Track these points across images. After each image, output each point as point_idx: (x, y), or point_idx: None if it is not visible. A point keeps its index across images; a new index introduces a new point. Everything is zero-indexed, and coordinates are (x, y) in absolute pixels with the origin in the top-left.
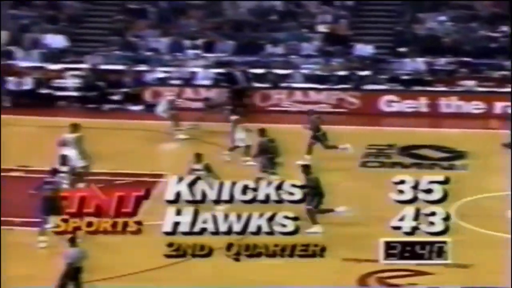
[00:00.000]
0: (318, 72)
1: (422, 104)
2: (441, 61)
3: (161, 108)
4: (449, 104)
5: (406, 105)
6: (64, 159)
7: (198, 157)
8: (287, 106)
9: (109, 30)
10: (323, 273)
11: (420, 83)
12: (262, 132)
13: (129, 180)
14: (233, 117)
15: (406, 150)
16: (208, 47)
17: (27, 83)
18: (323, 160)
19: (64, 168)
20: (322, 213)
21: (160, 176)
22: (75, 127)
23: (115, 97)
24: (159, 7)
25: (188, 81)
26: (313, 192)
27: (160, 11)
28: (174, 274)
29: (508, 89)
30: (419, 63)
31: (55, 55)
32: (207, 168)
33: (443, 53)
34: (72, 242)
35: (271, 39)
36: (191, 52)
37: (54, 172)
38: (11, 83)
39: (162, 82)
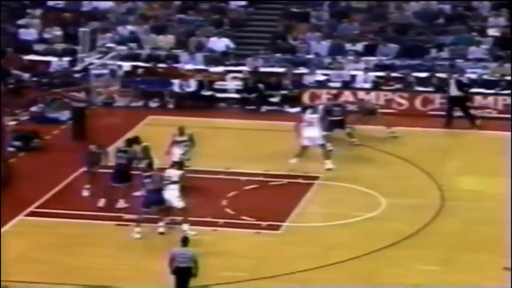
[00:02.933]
0: (486, 77)
1: None
2: None
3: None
4: None
5: None
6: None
7: (181, 130)
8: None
9: (270, 34)
10: None
11: None
12: None
13: (284, 181)
14: None
15: None
16: (370, 50)
17: (191, 85)
18: None
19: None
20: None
21: (314, 178)
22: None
23: (274, 99)
24: (321, 10)
25: (348, 84)
26: None
27: (322, 14)
28: None
29: None
30: None
31: (218, 58)
32: (191, 139)
33: None
34: (184, 242)
35: (436, 43)
36: (351, 55)
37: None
38: (176, 85)
39: (321, 84)
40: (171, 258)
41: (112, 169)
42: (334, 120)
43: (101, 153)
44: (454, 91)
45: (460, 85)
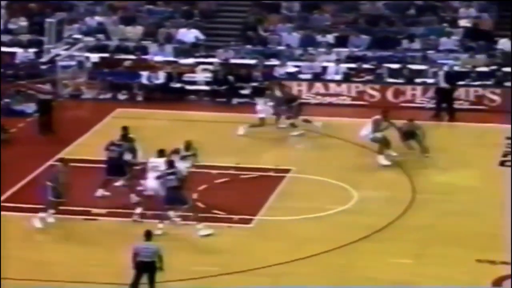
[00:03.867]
0: (457, 68)
1: None
2: None
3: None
4: None
5: None
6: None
7: (188, 145)
8: (421, 102)
9: (241, 25)
10: None
11: None
12: None
13: (255, 174)
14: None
15: None
16: (341, 42)
17: (159, 78)
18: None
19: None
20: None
21: (285, 171)
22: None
23: (245, 91)
24: (292, 1)
25: (319, 76)
26: None
27: (293, 5)
28: None
29: None
30: None
31: (187, 50)
32: (194, 154)
33: None
34: (148, 236)
35: (408, 34)
36: (322, 47)
37: (171, 164)
38: (144, 77)
39: (292, 76)
40: (134, 253)
41: (104, 163)
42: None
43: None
44: (442, 83)
45: (448, 77)
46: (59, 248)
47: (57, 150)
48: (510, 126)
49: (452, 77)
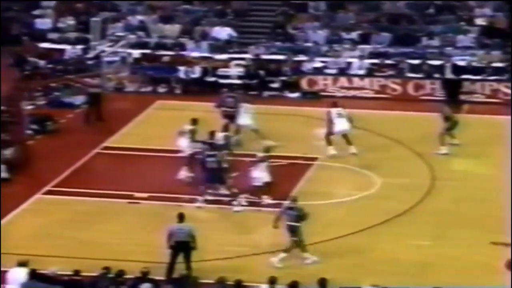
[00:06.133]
0: (474, 64)
1: None
2: None
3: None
4: None
5: None
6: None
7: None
8: (440, 96)
9: (271, 23)
10: None
11: None
12: None
13: (285, 162)
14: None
15: None
16: (365, 39)
17: (196, 72)
18: None
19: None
20: None
21: (313, 159)
22: (194, 121)
23: (275, 85)
24: (318, 1)
25: (343, 71)
26: None
27: (319, 5)
28: None
29: None
30: None
31: (221, 46)
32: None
33: None
34: (181, 218)
35: (427, 32)
36: (347, 43)
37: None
38: (182, 72)
39: (318, 71)
40: (169, 234)
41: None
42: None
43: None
44: (449, 74)
45: (455, 69)
46: (104, 228)
47: (102, 139)
48: None
49: (459, 70)
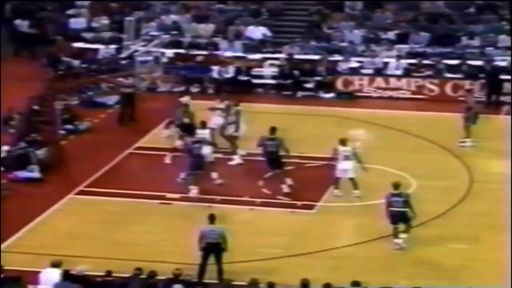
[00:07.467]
0: None
1: None
2: None
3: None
4: None
5: None
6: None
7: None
8: (479, 96)
9: (306, 22)
10: None
11: None
12: None
13: (318, 163)
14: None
15: None
16: (402, 39)
17: (229, 72)
18: None
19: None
20: None
21: None
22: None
23: (309, 85)
24: (355, 0)
25: (380, 71)
26: None
27: (356, 4)
28: None
29: None
30: None
31: (255, 46)
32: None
33: None
34: (212, 219)
35: (467, 31)
36: (384, 43)
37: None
38: (215, 71)
39: (354, 71)
40: (201, 236)
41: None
42: None
43: None
44: (489, 75)
45: (497, 70)
46: (136, 229)
47: (135, 139)
48: None
49: (500, 70)
